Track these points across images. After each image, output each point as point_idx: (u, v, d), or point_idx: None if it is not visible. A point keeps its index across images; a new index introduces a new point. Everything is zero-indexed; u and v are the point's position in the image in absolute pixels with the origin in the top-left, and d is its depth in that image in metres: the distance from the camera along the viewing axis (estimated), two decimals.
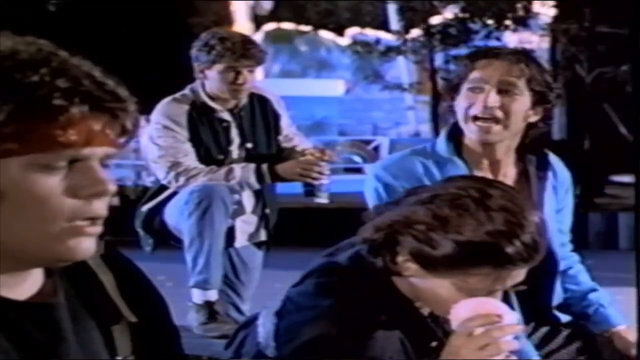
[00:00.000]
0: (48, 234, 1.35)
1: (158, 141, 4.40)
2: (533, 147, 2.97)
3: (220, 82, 4.43)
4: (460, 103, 2.87)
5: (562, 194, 3.03)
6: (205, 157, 4.42)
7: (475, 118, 2.84)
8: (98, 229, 1.39)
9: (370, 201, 2.83)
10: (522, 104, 2.85)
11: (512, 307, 2.28)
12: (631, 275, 2.67)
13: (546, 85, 2.90)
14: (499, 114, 2.82)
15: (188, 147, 4.40)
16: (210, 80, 4.45)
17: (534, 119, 2.91)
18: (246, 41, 4.48)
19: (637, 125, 2.35)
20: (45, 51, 1.36)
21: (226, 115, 4.49)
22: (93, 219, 1.37)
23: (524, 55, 2.94)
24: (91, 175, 1.36)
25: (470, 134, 2.86)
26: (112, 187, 1.37)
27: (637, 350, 2.82)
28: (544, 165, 2.97)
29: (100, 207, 1.38)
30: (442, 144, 2.90)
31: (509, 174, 2.92)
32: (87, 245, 1.38)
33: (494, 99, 2.82)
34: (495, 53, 2.92)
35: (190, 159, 4.39)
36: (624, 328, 3.00)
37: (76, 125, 1.33)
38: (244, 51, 4.40)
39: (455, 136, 2.91)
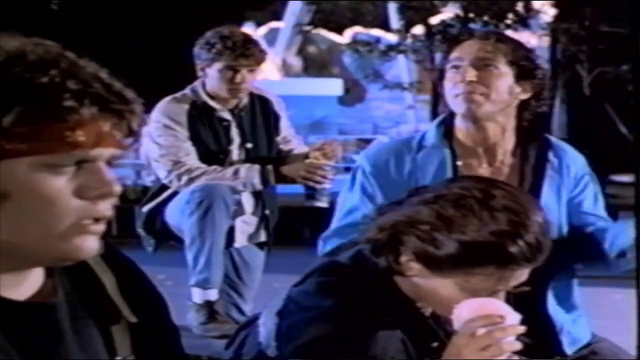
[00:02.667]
0: (53, 234, 1.35)
1: (159, 140, 4.39)
2: (534, 133, 2.94)
3: (219, 81, 4.41)
4: (446, 85, 2.91)
5: (571, 181, 2.91)
6: (205, 157, 4.41)
7: (459, 94, 2.87)
8: (102, 227, 1.39)
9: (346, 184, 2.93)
10: (502, 78, 2.86)
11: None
12: (631, 275, 2.66)
13: (527, 59, 2.90)
14: (479, 87, 2.85)
15: (189, 146, 4.39)
16: (210, 79, 4.44)
17: (523, 95, 2.90)
18: (247, 41, 4.45)
19: (638, 125, 2.35)
20: (53, 52, 1.36)
21: (226, 115, 4.47)
22: (98, 219, 1.38)
23: (499, 35, 3.02)
24: (98, 176, 1.37)
25: (458, 111, 2.88)
26: (118, 189, 1.38)
27: (637, 350, 2.81)
28: (544, 150, 2.92)
29: (106, 207, 1.38)
30: (431, 133, 2.93)
31: (506, 160, 2.90)
32: (91, 244, 1.39)
33: (471, 73, 2.84)
34: (470, 35, 3.02)
35: (191, 158, 4.38)
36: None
37: (85, 127, 1.34)
38: (243, 50, 4.38)
39: (446, 126, 2.93)
